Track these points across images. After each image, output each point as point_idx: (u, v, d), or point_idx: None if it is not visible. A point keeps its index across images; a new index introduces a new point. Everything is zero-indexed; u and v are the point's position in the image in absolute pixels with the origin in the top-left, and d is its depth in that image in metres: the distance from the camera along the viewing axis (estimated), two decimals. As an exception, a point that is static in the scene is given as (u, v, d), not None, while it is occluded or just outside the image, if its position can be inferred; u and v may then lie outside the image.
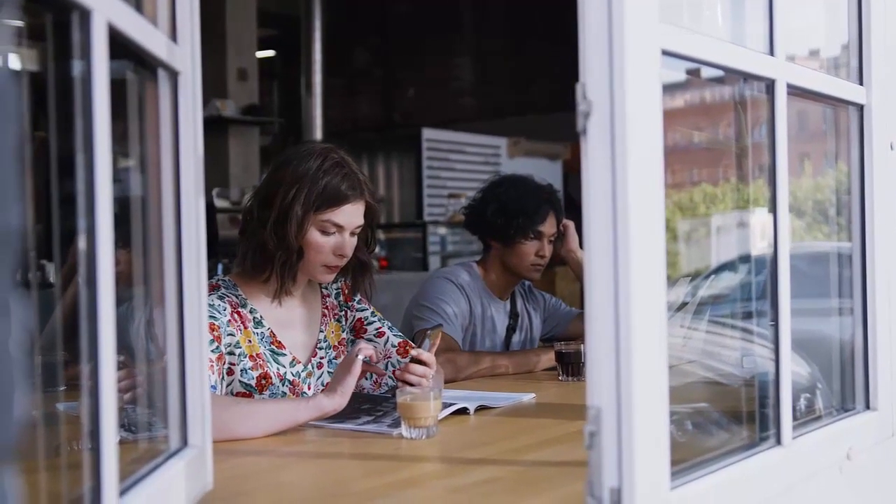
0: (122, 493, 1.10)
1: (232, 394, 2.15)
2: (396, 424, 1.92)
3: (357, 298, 2.45)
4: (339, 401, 1.98)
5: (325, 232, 2.20)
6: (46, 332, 1.42)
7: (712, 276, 2.37)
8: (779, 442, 1.54)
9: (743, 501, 1.44)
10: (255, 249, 2.21)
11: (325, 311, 2.40)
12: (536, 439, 1.92)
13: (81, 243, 1.02)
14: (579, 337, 2.99)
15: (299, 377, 2.26)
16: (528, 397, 2.37)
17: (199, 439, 1.40)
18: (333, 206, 2.19)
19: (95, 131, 1.00)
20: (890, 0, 1.85)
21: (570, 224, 3.12)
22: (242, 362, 2.16)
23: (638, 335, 1.18)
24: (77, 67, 1.00)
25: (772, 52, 1.53)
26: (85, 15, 0.98)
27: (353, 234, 2.24)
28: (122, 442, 1.11)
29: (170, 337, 1.38)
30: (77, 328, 1.05)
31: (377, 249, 7.60)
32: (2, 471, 0.57)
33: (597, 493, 1.19)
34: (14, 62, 0.61)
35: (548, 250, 3.03)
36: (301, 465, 1.76)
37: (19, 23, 0.70)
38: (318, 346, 2.34)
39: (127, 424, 1.40)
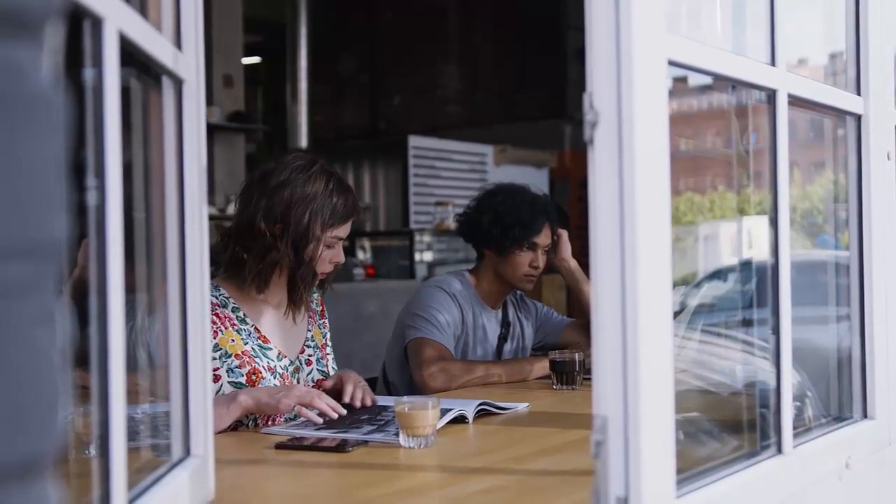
0: (129, 503, 1.09)
1: None
2: None
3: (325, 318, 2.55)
4: (248, 402, 2.08)
5: (330, 246, 2.32)
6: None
7: (704, 285, 2.38)
8: (780, 451, 1.54)
9: (745, 510, 1.44)
10: (268, 267, 2.27)
11: (311, 313, 2.49)
12: (535, 448, 1.92)
13: (90, 249, 1.01)
14: (571, 345, 2.99)
15: (287, 371, 2.34)
16: (522, 406, 2.37)
17: (202, 449, 1.39)
18: (342, 223, 2.32)
19: (106, 138, 0.99)
20: (888, 10, 1.86)
21: (564, 233, 3.12)
22: (227, 362, 2.22)
23: (645, 344, 1.18)
24: (88, 74, 1.00)
25: (773, 63, 1.54)
26: (97, 23, 0.98)
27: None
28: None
29: (172, 345, 1.37)
30: (73, 335, 1.04)
31: (363, 256, 7.59)
32: (46, 481, 0.57)
33: (603, 502, 1.19)
34: (59, 71, 0.61)
35: (541, 261, 3.02)
36: (301, 475, 1.75)
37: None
38: (307, 343, 2.43)
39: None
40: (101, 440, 1.01)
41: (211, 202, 7.13)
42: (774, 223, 1.55)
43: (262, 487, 1.65)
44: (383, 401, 2.31)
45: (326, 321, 2.55)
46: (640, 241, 1.17)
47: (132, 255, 1.33)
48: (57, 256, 0.57)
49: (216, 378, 2.18)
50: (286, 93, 8.63)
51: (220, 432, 2.01)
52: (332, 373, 2.49)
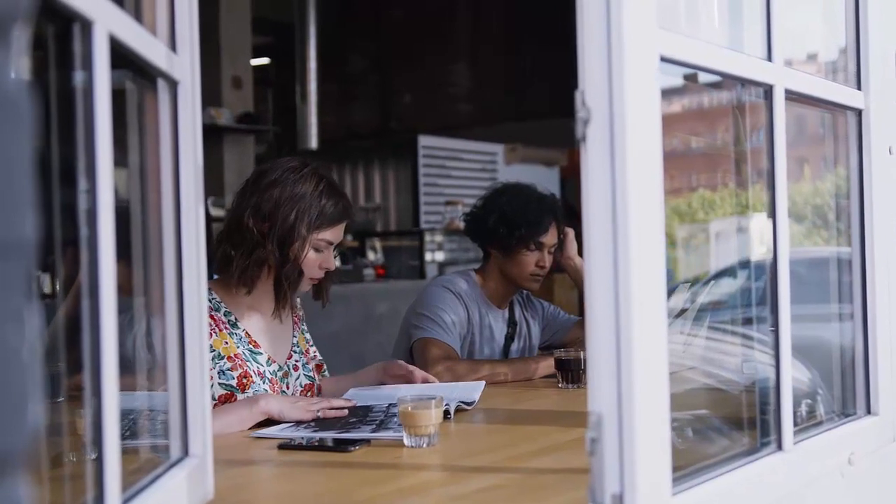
0: (125, 503, 1.09)
1: (214, 398, 2.19)
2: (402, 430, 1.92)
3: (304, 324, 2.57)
4: (269, 407, 2.10)
5: (317, 250, 2.33)
6: (45, 343, 1.42)
7: (711, 283, 2.37)
8: (780, 447, 1.54)
9: (745, 507, 1.44)
10: (254, 265, 2.29)
11: (296, 319, 2.52)
12: (538, 446, 1.92)
13: (82, 253, 1.02)
14: (578, 344, 2.98)
15: (276, 376, 2.36)
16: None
17: (200, 449, 1.39)
18: (330, 226, 2.32)
19: (97, 141, 1.00)
20: (888, 4, 1.85)
21: (570, 231, 3.11)
22: (219, 364, 2.25)
23: (639, 340, 1.18)
24: (78, 77, 1.00)
25: (770, 58, 1.53)
26: (87, 26, 0.98)
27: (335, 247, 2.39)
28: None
29: (170, 347, 1.37)
30: (77, 338, 1.04)
31: (374, 257, 7.58)
32: (16, 478, 0.57)
33: (599, 499, 1.19)
34: (27, 72, 0.61)
35: (548, 261, 3.02)
36: (301, 475, 1.75)
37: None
38: (293, 349, 2.46)
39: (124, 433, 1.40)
40: (96, 440, 1.02)
41: (220, 204, 7.13)
42: (772, 217, 1.54)
43: (263, 487, 1.66)
44: (364, 402, 2.32)
45: (305, 325, 2.57)
46: (633, 237, 1.17)
47: (129, 258, 1.34)
48: (27, 256, 0.57)
49: None
50: (296, 93, 8.64)
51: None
52: (317, 373, 2.52)
